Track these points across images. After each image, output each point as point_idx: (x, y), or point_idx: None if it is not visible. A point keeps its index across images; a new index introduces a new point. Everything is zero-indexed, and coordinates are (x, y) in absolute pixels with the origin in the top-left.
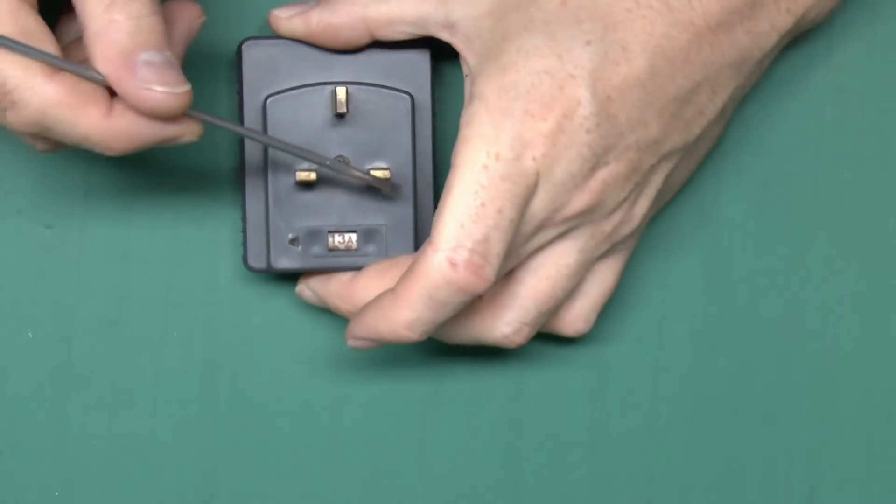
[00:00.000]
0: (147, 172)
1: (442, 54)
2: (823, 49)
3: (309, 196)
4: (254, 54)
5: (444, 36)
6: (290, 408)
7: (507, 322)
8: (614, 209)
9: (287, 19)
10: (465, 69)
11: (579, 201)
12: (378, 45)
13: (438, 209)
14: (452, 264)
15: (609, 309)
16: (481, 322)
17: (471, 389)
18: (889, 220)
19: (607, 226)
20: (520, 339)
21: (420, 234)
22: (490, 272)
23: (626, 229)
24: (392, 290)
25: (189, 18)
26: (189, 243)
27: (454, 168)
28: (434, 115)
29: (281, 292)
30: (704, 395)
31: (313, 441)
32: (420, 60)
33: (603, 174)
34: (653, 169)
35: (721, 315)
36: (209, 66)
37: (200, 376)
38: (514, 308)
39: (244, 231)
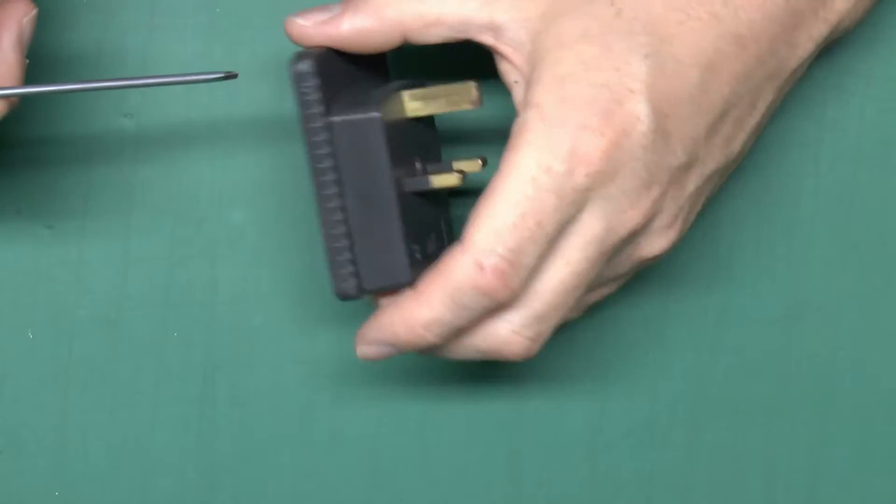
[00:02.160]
0: (147, 172)
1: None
2: (823, 49)
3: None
4: (312, 69)
5: (486, 40)
6: (290, 408)
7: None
8: (658, 232)
9: (314, 27)
10: (512, 76)
11: (631, 220)
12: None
13: (475, 210)
14: (480, 267)
15: (609, 310)
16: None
17: (471, 390)
18: (889, 220)
19: (643, 252)
20: (536, 346)
21: None
22: (516, 282)
23: (655, 256)
24: (413, 289)
25: (16, 18)
26: (189, 244)
27: (500, 173)
28: None
29: (281, 293)
30: (704, 395)
31: (313, 441)
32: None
33: (654, 193)
34: (698, 191)
35: (721, 315)
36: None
37: (200, 377)
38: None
39: (352, 250)
